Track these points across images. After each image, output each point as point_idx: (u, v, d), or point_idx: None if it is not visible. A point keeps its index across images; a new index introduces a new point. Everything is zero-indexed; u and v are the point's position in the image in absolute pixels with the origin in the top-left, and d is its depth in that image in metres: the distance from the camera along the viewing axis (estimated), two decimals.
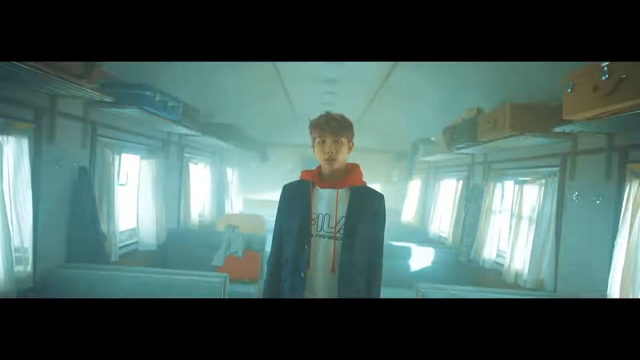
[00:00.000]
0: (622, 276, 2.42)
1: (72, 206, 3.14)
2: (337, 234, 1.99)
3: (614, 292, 2.48)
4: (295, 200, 2.08)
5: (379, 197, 2.11)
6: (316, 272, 1.98)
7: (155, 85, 3.42)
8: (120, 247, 3.90)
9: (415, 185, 8.22)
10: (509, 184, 4.52)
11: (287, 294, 2.00)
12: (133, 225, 4.51)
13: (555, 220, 3.38)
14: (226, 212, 7.46)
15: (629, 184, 2.51)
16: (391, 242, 5.18)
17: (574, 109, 2.33)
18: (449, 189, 6.38)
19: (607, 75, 1.98)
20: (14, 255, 2.49)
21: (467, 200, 5.20)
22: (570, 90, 2.32)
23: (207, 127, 5.35)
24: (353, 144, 2.11)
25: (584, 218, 3.08)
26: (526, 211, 3.93)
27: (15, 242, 2.56)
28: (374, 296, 2.05)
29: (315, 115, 2.08)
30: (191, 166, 5.95)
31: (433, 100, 5.47)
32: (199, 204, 6.44)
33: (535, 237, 3.59)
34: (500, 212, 4.55)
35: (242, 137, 6.95)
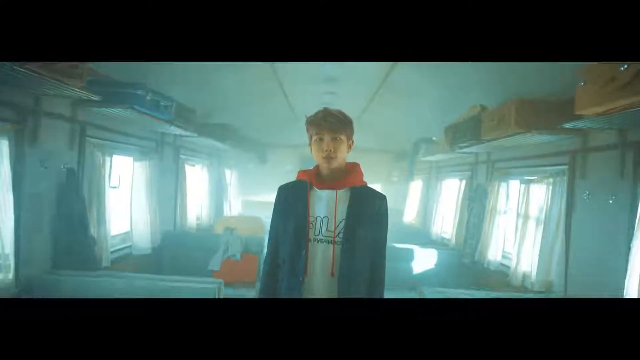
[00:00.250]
0: None
1: (59, 210, 3.00)
2: (337, 238, 1.86)
3: (631, 296, 2.35)
4: (292, 202, 1.95)
5: (381, 197, 1.98)
6: (314, 278, 1.86)
7: (150, 85, 3.30)
8: (113, 252, 3.78)
9: (416, 186, 8.12)
10: (514, 184, 4.39)
11: (284, 294, 1.89)
12: (126, 228, 4.37)
13: (565, 220, 3.25)
14: (225, 214, 7.35)
15: None
16: (393, 243, 5.04)
17: (587, 102, 2.21)
18: (452, 189, 6.26)
19: (625, 66, 1.85)
20: None
21: (470, 200, 5.07)
22: (584, 84, 2.19)
23: (204, 128, 5.25)
24: (353, 141, 1.97)
25: (596, 218, 2.96)
26: (533, 211, 3.80)
27: None
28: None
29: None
30: (187, 168, 5.82)
31: (434, 99, 5.37)
32: (196, 206, 6.32)
33: (543, 238, 3.46)
34: (505, 212, 4.41)
35: (240, 138, 6.85)
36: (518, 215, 4.07)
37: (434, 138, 6.02)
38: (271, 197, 2.04)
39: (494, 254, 4.44)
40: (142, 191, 4.33)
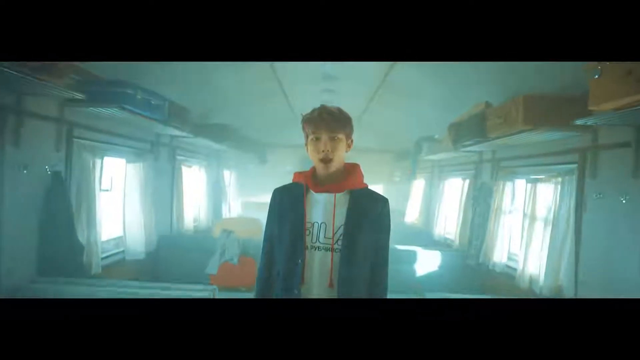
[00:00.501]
0: None
1: (45, 215, 2.86)
2: (335, 245, 1.73)
3: None
4: (287, 206, 1.82)
5: (383, 201, 1.84)
6: (311, 287, 1.73)
7: (147, 84, 3.17)
8: (104, 257, 3.65)
9: (418, 185, 7.99)
10: (520, 183, 4.25)
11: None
12: (119, 233, 4.22)
13: (575, 221, 3.12)
14: (224, 216, 7.21)
15: None
16: (395, 245, 4.91)
17: (602, 97, 2.07)
18: (455, 189, 6.12)
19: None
20: None
21: (474, 200, 4.95)
22: (598, 77, 2.05)
23: (201, 128, 5.13)
24: (352, 140, 1.84)
25: (608, 219, 2.83)
26: (541, 212, 3.67)
27: None
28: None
29: None
30: (184, 169, 5.69)
31: (435, 97, 5.23)
32: (194, 208, 6.19)
33: (551, 239, 3.33)
34: (510, 212, 4.27)
35: (238, 138, 6.73)
36: (524, 215, 3.94)
37: (436, 136, 5.90)
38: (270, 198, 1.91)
39: (499, 256, 4.31)
40: (136, 194, 4.20)
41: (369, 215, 1.78)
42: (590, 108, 2.16)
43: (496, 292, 4.19)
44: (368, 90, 5.88)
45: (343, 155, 1.79)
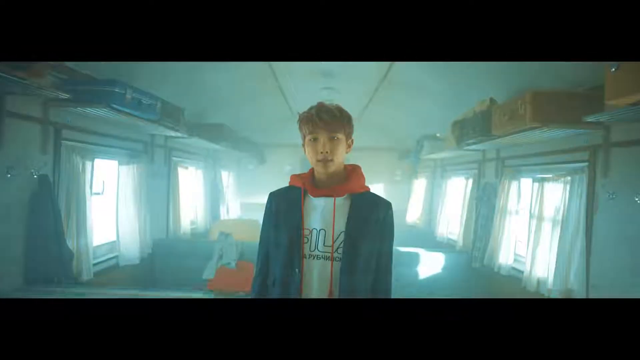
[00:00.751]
0: None
1: (31, 220, 2.72)
2: (335, 254, 1.61)
3: None
4: (283, 212, 1.70)
5: (386, 205, 1.72)
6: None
7: (137, 82, 3.03)
8: (97, 263, 3.52)
9: (420, 185, 7.86)
10: (526, 182, 4.12)
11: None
12: (113, 237, 4.08)
13: (585, 221, 2.98)
14: (222, 217, 7.08)
15: None
16: (396, 247, 4.78)
17: (620, 91, 1.94)
18: (458, 188, 5.99)
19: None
20: None
21: (478, 200, 4.81)
22: (615, 69, 1.92)
23: (197, 128, 5.00)
24: (352, 140, 1.71)
25: (621, 219, 2.70)
26: (549, 212, 3.53)
27: None
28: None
29: None
30: (180, 170, 5.55)
31: (437, 94, 5.10)
32: (191, 210, 6.05)
33: (560, 241, 3.20)
34: (516, 212, 4.13)
35: (236, 138, 6.61)
36: (531, 216, 3.81)
37: (437, 134, 5.77)
38: None
39: (505, 257, 4.17)
40: (130, 197, 4.07)
41: (371, 221, 1.66)
42: (607, 102, 2.02)
43: (503, 296, 4.07)
44: (368, 87, 5.76)
45: (343, 157, 1.67)
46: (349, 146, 1.69)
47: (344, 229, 1.61)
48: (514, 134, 3.26)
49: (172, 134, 4.33)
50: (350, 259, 1.60)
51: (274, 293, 1.67)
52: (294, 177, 1.75)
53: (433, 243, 6.21)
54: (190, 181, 6.05)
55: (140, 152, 4.30)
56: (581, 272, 2.99)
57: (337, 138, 1.63)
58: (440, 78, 4.58)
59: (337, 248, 1.61)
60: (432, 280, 4.71)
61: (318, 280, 1.61)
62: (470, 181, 5.35)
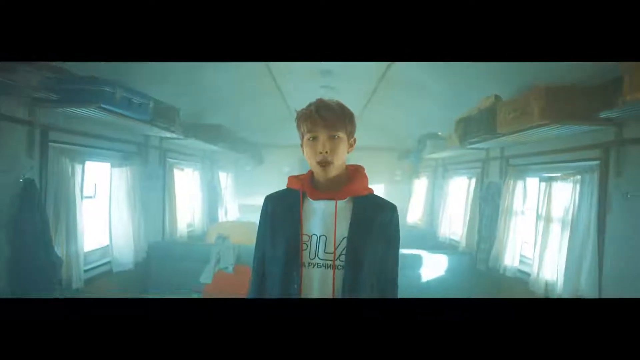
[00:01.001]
0: None
1: (16, 226, 2.59)
2: (337, 262, 1.49)
3: None
4: (280, 216, 1.58)
5: (391, 208, 1.60)
6: None
7: (129, 81, 2.90)
8: (88, 270, 3.39)
9: (421, 185, 7.75)
10: (531, 182, 4.00)
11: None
12: (106, 242, 3.95)
13: (597, 222, 2.86)
14: (220, 219, 6.95)
15: None
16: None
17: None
18: (460, 188, 5.88)
19: None
20: None
21: (482, 200, 4.69)
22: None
23: (193, 129, 4.88)
24: (355, 139, 1.59)
25: (635, 220, 2.59)
26: (557, 212, 3.41)
27: None
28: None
29: None
30: (176, 172, 5.43)
31: (437, 93, 4.99)
32: (188, 213, 5.92)
33: (570, 242, 3.08)
34: (522, 212, 4.01)
35: (234, 139, 6.49)
36: (538, 216, 3.69)
37: (439, 133, 5.66)
38: None
39: (510, 259, 4.05)
40: (123, 200, 3.94)
41: (375, 226, 1.54)
42: (626, 98, 1.90)
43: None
44: (368, 86, 5.65)
45: (344, 157, 1.55)
46: (350, 145, 1.57)
47: (346, 235, 1.49)
48: (521, 132, 3.15)
49: (167, 134, 4.20)
50: (354, 266, 1.48)
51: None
52: (291, 178, 1.63)
53: (435, 244, 6.10)
54: (187, 183, 5.93)
55: (133, 154, 4.17)
56: (593, 274, 2.88)
57: (338, 137, 1.50)
58: (440, 78, 4.48)
59: (339, 255, 1.49)
60: (435, 282, 4.60)
61: (319, 290, 1.49)
62: (473, 181, 5.25)
